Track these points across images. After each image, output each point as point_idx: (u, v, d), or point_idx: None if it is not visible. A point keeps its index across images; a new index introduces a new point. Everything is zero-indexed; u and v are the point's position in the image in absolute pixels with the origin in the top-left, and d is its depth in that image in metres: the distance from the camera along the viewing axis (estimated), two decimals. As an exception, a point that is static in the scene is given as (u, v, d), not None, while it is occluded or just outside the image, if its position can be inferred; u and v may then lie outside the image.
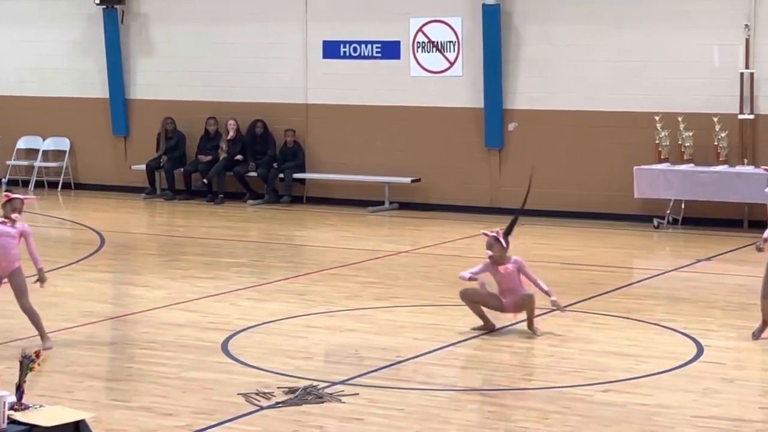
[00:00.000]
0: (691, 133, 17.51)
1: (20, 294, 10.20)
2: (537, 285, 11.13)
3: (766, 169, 11.01)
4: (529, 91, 18.79)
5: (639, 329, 11.35)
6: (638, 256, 16.31)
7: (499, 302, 11.04)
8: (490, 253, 11.09)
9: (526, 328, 11.01)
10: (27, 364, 6.14)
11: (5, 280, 10.28)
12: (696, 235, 17.07)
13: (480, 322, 11.07)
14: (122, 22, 21.12)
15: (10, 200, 10.35)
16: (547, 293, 11.11)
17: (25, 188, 21.79)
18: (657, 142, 17.62)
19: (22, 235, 10.22)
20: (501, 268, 11.09)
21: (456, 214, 18.60)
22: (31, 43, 21.80)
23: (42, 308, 11.04)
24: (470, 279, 11.11)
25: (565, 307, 11.58)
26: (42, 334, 10.25)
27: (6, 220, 10.21)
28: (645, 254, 16.49)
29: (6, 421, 5.88)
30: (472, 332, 11.01)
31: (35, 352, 6.24)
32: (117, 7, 20.99)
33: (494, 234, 11.10)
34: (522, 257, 15.40)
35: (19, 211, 10.30)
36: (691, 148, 17.55)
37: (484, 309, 11.07)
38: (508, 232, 11.27)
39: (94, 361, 10.24)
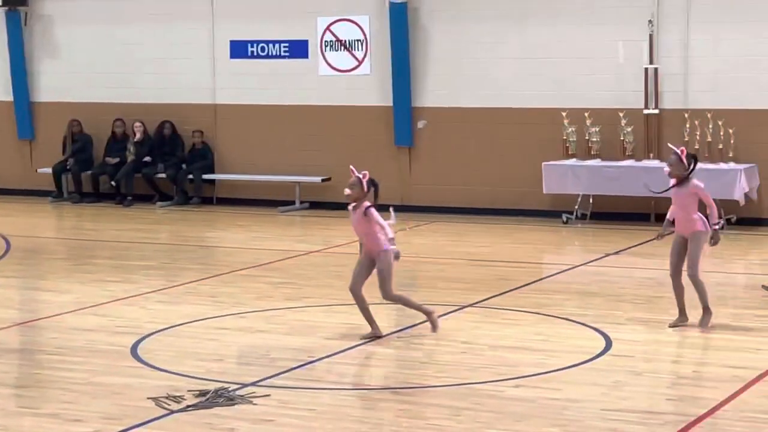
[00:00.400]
0: (597, 129, 17.71)
1: None
2: (383, 229, 10.69)
3: (682, 151, 11.16)
4: (437, 88, 18.87)
5: (549, 324, 11.44)
6: (548, 251, 16.46)
7: None
8: (348, 192, 10.83)
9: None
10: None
11: None
12: (604, 229, 17.27)
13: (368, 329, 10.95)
14: (26, 24, 20.87)
15: None
16: (389, 239, 10.74)
17: (-72, 193, 21.45)
18: (564, 137, 17.79)
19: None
20: (357, 211, 10.84)
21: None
22: (-69, 46, 21.45)
23: (-54, 316, 10.90)
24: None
25: (477, 303, 11.62)
26: None
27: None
28: (554, 249, 16.64)
29: None
30: (384, 330, 10.99)
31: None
32: (20, 8, 20.73)
33: (360, 175, 10.84)
34: (434, 254, 15.52)
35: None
36: (598, 144, 17.75)
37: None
38: (375, 185, 10.97)
39: (1, 368, 10.09)
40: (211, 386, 9.18)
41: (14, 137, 21.28)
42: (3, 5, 20.61)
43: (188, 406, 8.73)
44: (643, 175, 17.05)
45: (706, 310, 11.12)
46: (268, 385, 9.37)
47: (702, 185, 11.07)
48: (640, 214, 17.64)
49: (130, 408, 8.72)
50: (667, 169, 11.15)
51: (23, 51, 20.89)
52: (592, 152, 17.78)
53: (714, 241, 11.04)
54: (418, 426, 8.38)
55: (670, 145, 11.75)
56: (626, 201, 17.50)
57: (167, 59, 20.14)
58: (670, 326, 11.11)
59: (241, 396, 8.98)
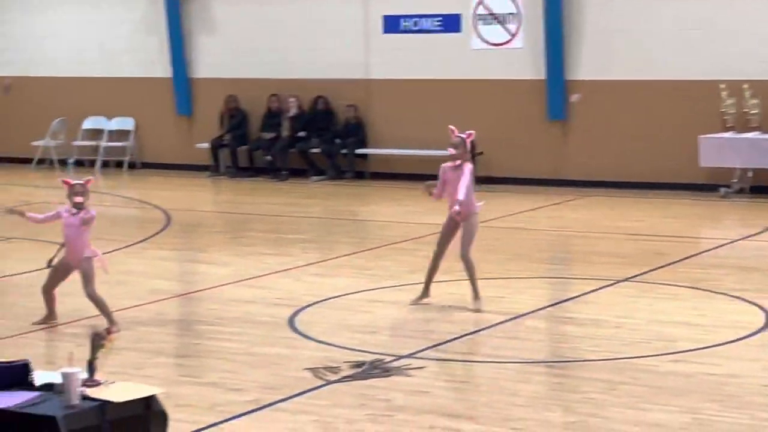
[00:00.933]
0: (757, 101, 17.32)
1: (87, 282, 10.30)
2: (459, 189, 10.70)
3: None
4: (591, 61, 18.67)
5: (706, 299, 11.27)
6: (705, 225, 16.18)
7: None
8: (452, 151, 10.83)
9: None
10: (98, 341, 6.21)
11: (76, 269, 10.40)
12: (763, 203, 16.91)
13: None
14: (183, 2, 21.21)
15: (71, 186, 10.41)
16: (459, 203, 10.70)
17: (91, 168, 22.01)
18: (722, 110, 17.44)
19: (84, 222, 10.27)
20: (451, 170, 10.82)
21: (519, 186, 18.55)
22: (93, 24, 21.97)
23: (111, 287, 11.18)
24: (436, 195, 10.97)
25: (632, 277, 11.51)
26: (109, 319, 10.32)
27: (72, 209, 10.28)
28: (712, 223, 16.35)
29: (79, 397, 5.95)
30: (539, 304, 10.96)
31: (106, 330, 6.31)
32: (178, -14, 21.10)
33: (464, 135, 10.84)
34: (588, 229, 15.41)
35: (82, 195, 10.32)
36: (757, 116, 17.37)
37: None
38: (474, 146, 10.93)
39: (163, 338, 10.34)
40: (367, 358, 9.27)
41: (173, 113, 21.70)
42: (162, -17, 21.03)
43: (344, 377, 8.82)
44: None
45: None
46: (423, 357, 9.41)
47: None
48: (800, 188, 17.24)
49: (288, 378, 8.85)
50: None
51: (181, 28, 21.26)
52: (751, 125, 17.40)
53: None
54: (574, 399, 8.34)
55: None
56: (786, 175, 17.12)
57: (321, 35, 20.30)
58: None
59: (397, 368, 9.03)
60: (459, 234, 11.03)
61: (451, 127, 11.06)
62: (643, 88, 18.35)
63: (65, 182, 10.42)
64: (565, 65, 18.75)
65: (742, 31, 17.65)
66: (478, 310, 10.79)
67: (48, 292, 10.55)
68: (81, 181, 10.37)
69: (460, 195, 10.71)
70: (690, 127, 17.70)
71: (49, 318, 10.58)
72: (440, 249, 11.11)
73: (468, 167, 10.81)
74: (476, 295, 10.91)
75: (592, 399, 8.29)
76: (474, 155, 10.90)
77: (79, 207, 10.27)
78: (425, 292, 11.13)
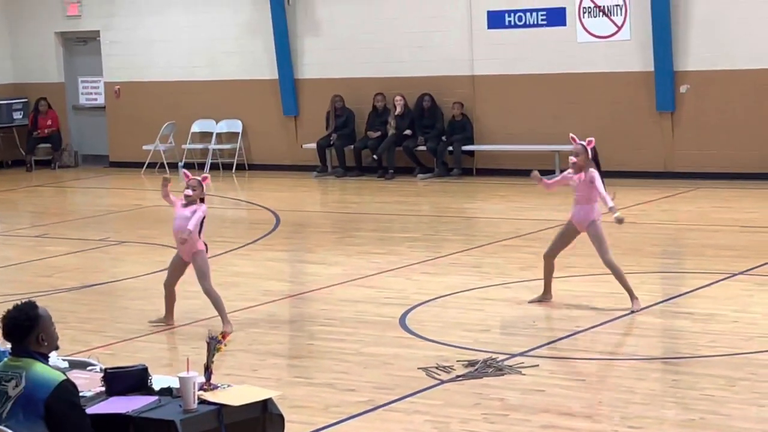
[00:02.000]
0: None
1: (202, 276, 10.40)
2: (603, 198, 10.63)
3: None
4: (700, 51, 18.40)
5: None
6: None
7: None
8: (573, 159, 10.75)
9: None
10: (214, 345, 6.25)
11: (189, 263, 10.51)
12: None
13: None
14: (288, 3, 21.35)
15: (187, 179, 10.53)
16: (610, 208, 10.57)
17: (200, 170, 22.24)
18: (839, 98, 17.10)
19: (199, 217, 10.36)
20: (577, 177, 10.75)
21: (629, 179, 18.31)
22: (199, 28, 22.20)
23: (223, 288, 11.29)
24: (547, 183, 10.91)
25: (747, 270, 11.32)
26: (223, 317, 10.42)
27: (186, 202, 10.40)
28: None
29: (197, 401, 6.00)
30: (653, 299, 10.82)
31: (221, 333, 6.35)
32: (282, -12, 21.25)
33: (584, 142, 10.76)
34: (699, 221, 15.19)
35: (193, 189, 10.42)
36: None
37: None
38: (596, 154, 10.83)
39: (276, 339, 10.41)
40: (480, 356, 9.24)
41: (280, 114, 21.84)
42: (266, -14, 21.18)
43: (458, 376, 8.81)
44: None
45: None
46: (536, 355, 9.37)
47: None
48: None
49: (401, 378, 8.86)
50: None
51: (287, 29, 21.39)
52: None
53: None
54: (692, 397, 8.23)
55: None
56: None
57: (425, 32, 20.28)
58: None
59: (510, 366, 9.00)
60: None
61: (572, 135, 10.95)
62: (753, 77, 18.04)
63: (185, 174, 10.60)
64: (674, 56, 18.51)
65: None
66: (635, 311, 10.59)
67: (170, 288, 10.68)
68: (198, 177, 10.52)
69: (609, 202, 10.60)
70: (804, 116, 17.38)
71: (167, 319, 10.71)
72: (555, 251, 11.00)
73: (596, 176, 10.66)
74: (633, 298, 10.71)
75: (710, 396, 8.18)
76: (597, 162, 10.78)
77: (189, 200, 10.38)
78: (547, 293, 11.05)
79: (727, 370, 8.74)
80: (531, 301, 11.03)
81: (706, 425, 7.62)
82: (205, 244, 10.44)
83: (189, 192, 10.38)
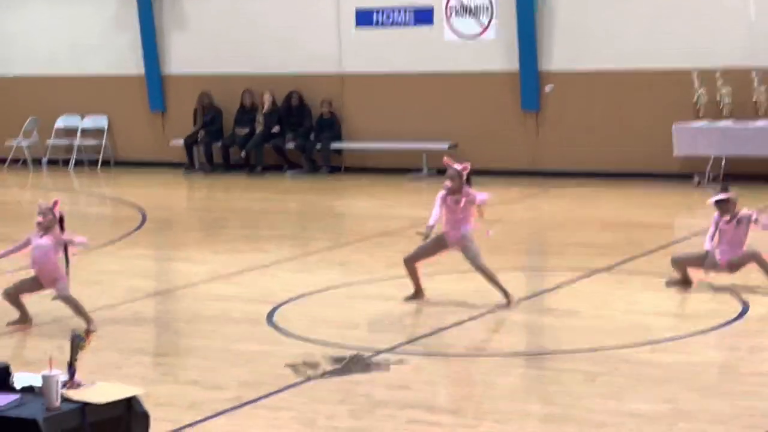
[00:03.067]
0: (728, 89, 17.40)
1: (60, 291, 10.24)
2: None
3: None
4: (564, 52, 18.71)
5: (683, 288, 11.28)
6: (679, 214, 16.22)
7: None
8: (448, 183, 10.87)
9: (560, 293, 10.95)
10: (77, 342, 6.19)
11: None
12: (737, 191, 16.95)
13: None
14: (155, -2, 21.17)
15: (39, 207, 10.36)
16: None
17: (65, 167, 21.92)
18: (695, 99, 17.51)
19: (58, 243, 10.22)
20: (450, 198, 10.85)
21: (495, 177, 18.52)
22: (64, 21, 21.89)
23: (86, 286, 11.16)
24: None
25: (608, 267, 11.53)
26: (85, 317, 10.28)
27: (41, 231, 10.23)
28: (686, 212, 16.39)
29: (59, 399, 5.93)
30: (516, 296, 10.96)
31: (85, 331, 6.30)
32: (149, -17, 21.04)
33: (460, 167, 10.86)
34: (562, 219, 15.43)
35: (44, 215, 10.23)
36: (729, 105, 17.45)
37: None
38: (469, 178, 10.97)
39: (141, 337, 10.30)
40: (346, 353, 9.27)
41: (146, 110, 21.65)
42: (132, -20, 20.97)
43: (325, 373, 8.82)
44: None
45: None
46: (402, 351, 9.41)
47: None
48: (772, 175, 17.33)
49: (268, 375, 8.84)
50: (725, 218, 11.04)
51: (153, 25, 21.19)
52: (724, 113, 17.48)
53: None
54: (553, 391, 8.35)
55: None
56: (760, 162, 17.17)
57: (293, 30, 20.27)
58: None
59: (376, 362, 9.04)
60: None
61: (446, 159, 11.04)
62: (616, 78, 18.40)
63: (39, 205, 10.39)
64: (538, 56, 18.78)
65: (713, 19, 17.71)
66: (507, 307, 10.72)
67: (13, 298, 10.48)
68: (46, 204, 10.30)
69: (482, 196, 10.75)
70: (663, 117, 17.77)
71: (23, 318, 10.54)
72: (417, 259, 11.08)
73: (476, 196, 10.76)
74: (507, 296, 10.81)
75: (571, 390, 8.30)
76: (470, 183, 10.88)
77: (42, 227, 10.20)
78: (419, 291, 11.11)
79: (587, 365, 8.88)
80: (407, 299, 11.04)
81: (568, 418, 7.74)
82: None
83: (40, 218, 10.21)
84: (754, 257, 11.00)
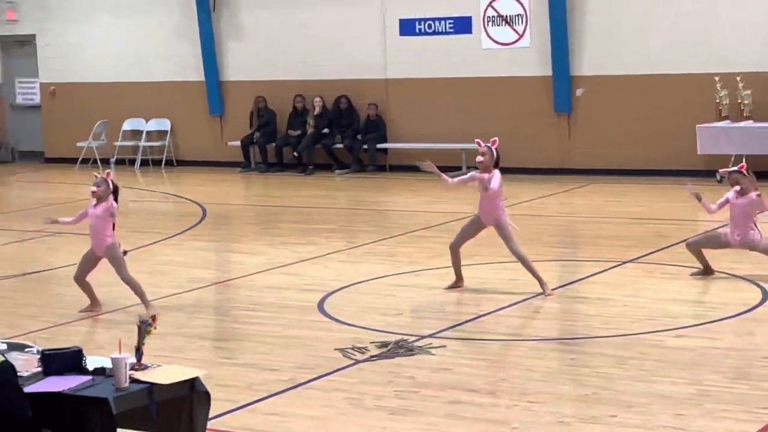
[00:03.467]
0: (749, 92, 17.26)
1: (118, 267, 10.33)
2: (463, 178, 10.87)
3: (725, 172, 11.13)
4: (594, 58, 18.62)
5: (706, 279, 11.21)
6: (703, 209, 16.04)
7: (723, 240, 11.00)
8: (480, 159, 10.82)
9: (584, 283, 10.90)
10: (144, 327, 6.21)
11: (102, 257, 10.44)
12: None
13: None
14: (214, 9, 21.23)
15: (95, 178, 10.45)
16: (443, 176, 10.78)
17: (131, 166, 22.05)
18: (717, 101, 17.37)
19: (110, 212, 10.29)
20: (484, 176, 10.79)
21: (529, 175, 18.50)
22: (130, 32, 22.01)
23: (153, 276, 11.23)
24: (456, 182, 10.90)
25: (637, 259, 11.46)
26: (144, 302, 10.35)
27: (95, 200, 10.31)
28: (709, 207, 16.26)
29: (128, 380, 5.96)
30: (551, 285, 10.90)
31: (151, 317, 6.31)
32: (209, -5, 21.14)
33: (489, 144, 10.83)
34: (594, 214, 15.34)
35: (98, 186, 10.30)
36: (749, 106, 17.32)
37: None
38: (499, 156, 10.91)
39: (202, 323, 10.36)
40: (392, 338, 9.27)
41: (206, 113, 21.73)
42: (193, -6, 21.07)
43: (372, 356, 8.83)
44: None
45: None
46: (444, 336, 9.42)
47: None
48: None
49: (320, 358, 8.86)
50: (736, 188, 10.98)
51: (212, 34, 21.27)
52: (745, 114, 17.34)
53: None
54: (586, 374, 8.32)
55: None
56: (778, 160, 17.02)
57: (342, 38, 20.29)
58: None
59: (420, 347, 9.04)
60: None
61: (477, 140, 11.02)
62: (642, 82, 18.29)
63: (94, 175, 10.51)
64: (570, 62, 18.70)
65: (734, 26, 17.57)
66: (547, 294, 10.67)
67: (81, 281, 10.56)
68: (101, 175, 10.42)
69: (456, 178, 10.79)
70: (688, 118, 17.63)
71: (93, 306, 10.61)
72: (460, 243, 11.05)
73: (496, 175, 10.72)
74: (542, 283, 10.78)
75: (602, 373, 8.27)
76: (499, 162, 10.84)
77: (96, 197, 10.28)
78: (459, 280, 11.09)
79: (617, 350, 8.85)
80: (447, 288, 11.03)
81: (599, 400, 7.71)
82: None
83: (94, 188, 10.30)
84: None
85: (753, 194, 10.89)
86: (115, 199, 10.36)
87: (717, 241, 11.21)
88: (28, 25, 23.03)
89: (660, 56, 18.12)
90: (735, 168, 11.20)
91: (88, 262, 10.54)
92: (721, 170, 11.34)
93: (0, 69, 23.60)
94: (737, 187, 11.02)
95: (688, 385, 7.92)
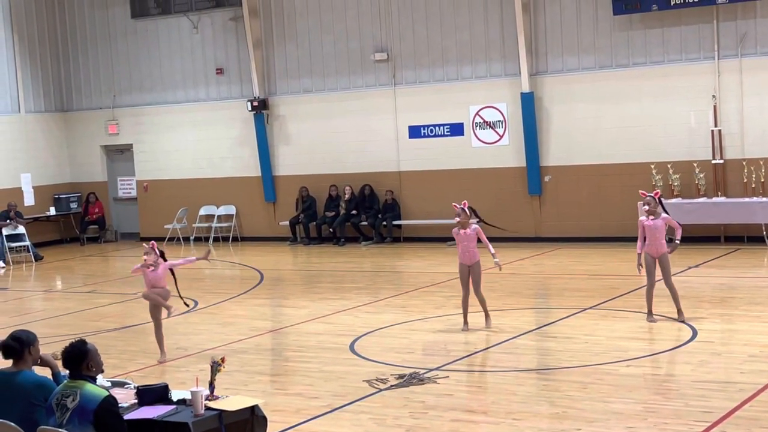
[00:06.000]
0: (678, 176, 17.26)
1: (165, 310, 10.30)
2: (488, 247, 10.81)
3: (643, 194, 11.05)
4: (558, 152, 18.66)
5: (650, 320, 11.13)
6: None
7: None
8: (458, 219, 10.83)
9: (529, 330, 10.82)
10: (216, 366, 6.22)
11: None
12: (687, 249, 16.72)
13: None
14: (267, 122, 21.42)
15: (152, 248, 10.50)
16: (492, 255, 10.78)
17: (206, 242, 22.13)
18: (653, 183, 17.37)
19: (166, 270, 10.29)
20: (462, 232, 10.84)
21: (509, 243, 18.46)
22: (204, 140, 22.20)
23: (223, 326, 11.22)
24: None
25: (594, 306, 11.37)
26: (166, 308, 10.27)
27: (149, 266, 10.34)
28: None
29: (203, 408, 5.96)
30: (529, 327, 10.85)
31: (221, 358, 6.31)
32: (263, 111, 21.31)
33: (461, 206, 10.87)
34: (560, 272, 15.26)
35: (147, 254, 10.33)
36: (678, 187, 17.30)
37: None
38: (474, 211, 10.94)
39: (261, 362, 10.33)
40: (407, 371, 9.22)
41: (262, 200, 21.81)
42: (252, 110, 21.24)
43: (391, 386, 8.79)
44: (713, 208, 16.62)
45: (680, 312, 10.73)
46: (447, 369, 9.37)
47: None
48: (712, 237, 17.09)
49: (351, 388, 8.82)
50: (645, 207, 10.85)
51: (267, 140, 21.45)
52: (675, 193, 17.32)
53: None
54: (557, 396, 8.26)
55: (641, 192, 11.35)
56: (701, 228, 16.97)
57: (365, 141, 20.41)
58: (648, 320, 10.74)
59: (429, 377, 8.99)
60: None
61: (453, 203, 11.09)
62: (595, 169, 18.30)
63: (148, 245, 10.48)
64: (540, 155, 18.75)
65: (665, 126, 17.61)
66: (489, 329, 10.69)
67: (157, 332, 10.52)
68: (149, 245, 10.45)
69: (491, 249, 10.75)
70: (631, 196, 17.60)
71: (162, 357, 10.43)
72: (466, 289, 11.04)
73: (477, 228, 10.79)
74: (487, 318, 10.82)
75: (570, 395, 8.21)
76: (477, 217, 10.88)
77: (150, 264, 10.30)
78: (466, 322, 11.02)
79: (580, 377, 8.79)
80: (463, 329, 10.92)
81: (567, 416, 7.65)
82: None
83: (145, 257, 10.35)
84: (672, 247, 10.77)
85: (663, 215, 10.83)
86: (164, 259, 10.38)
87: (649, 269, 10.89)
88: (126, 137, 23.27)
89: (608, 150, 18.16)
90: (651, 194, 11.04)
91: (155, 311, 10.47)
92: (641, 191, 11.23)
93: (105, 170, 23.82)
94: (645, 207, 10.90)
95: (636, 403, 7.85)
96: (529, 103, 18.58)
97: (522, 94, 18.60)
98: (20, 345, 5.88)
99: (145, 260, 10.34)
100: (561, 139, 18.60)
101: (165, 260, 10.37)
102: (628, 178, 17.85)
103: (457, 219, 10.82)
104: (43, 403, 5.74)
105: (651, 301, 10.95)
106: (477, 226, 10.77)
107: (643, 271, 10.88)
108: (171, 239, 22.40)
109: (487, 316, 10.85)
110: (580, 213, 18.48)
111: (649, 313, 10.97)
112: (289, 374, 9.74)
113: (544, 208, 18.90)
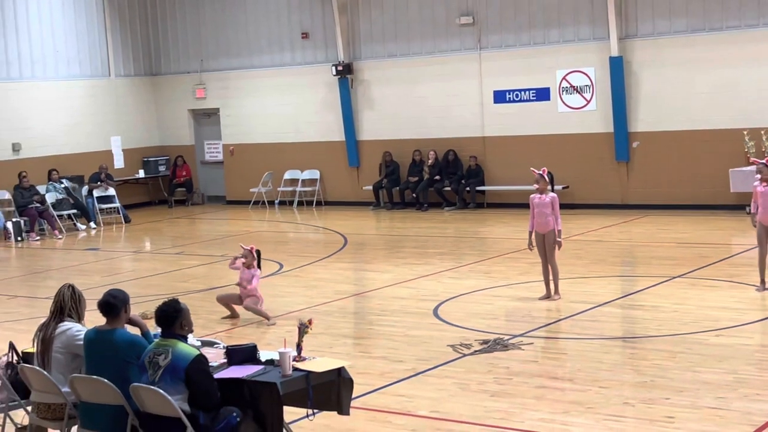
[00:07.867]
0: (771, 142, 16.81)
1: (249, 304, 10.44)
2: (557, 219, 10.64)
3: (755, 161, 10.62)
4: (647, 117, 18.31)
5: (740, 289, 10.93)
6: (736, 235, 15.63)
7: None
8: (536, 185, 10.70)
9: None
10: (303, 328, 6.29)
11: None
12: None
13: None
14: (352, 87, 21.46)
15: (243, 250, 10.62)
16: (558, 232, 10.62)
17: (290, 206, 22.35)
18: (746, 150, 16.93)
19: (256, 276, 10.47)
20: (539, 198, 10.68)
21: (595, 210, 18.24)
22: (289, 104, 22.35)
23: (308, 289, 11.34)
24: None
25: (683, 274, 11.18)
26: (265, 317, 10.44)
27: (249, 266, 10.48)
28: (741, 234, 15.75)
29: (291, 369, 6.04)
30: (614, 295, 10.74)
31: (308, 320, 6.38)
32: (348, 76, 21.34)
33: (540, 171, 10.74)
34: (648, 240, 15.03)
35: (245, 257, 10.49)
36: (772, 153, 16.85)
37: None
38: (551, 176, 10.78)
39: (345, 325, 10.43)
40: (491, 337, 9.22)
41: (346, 165, 21.91)
42: (336, 74, 21.28)
43: (475, 351, 8.80)
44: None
45: None
46: (532, 336, 9.34)
47: None
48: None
49: (435, 352, 8.85)
50: (758, 175, 10.50)
51: (351, 105, 21.49)
52: (768, 160, 16.85)
53: None
54: (644, 365, 8.17)
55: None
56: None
57: (449, 106, 20.30)
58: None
59: (513, 344, 8.97)
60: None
61: (532, 168, 10.97)
62: (685, 136, 17.92)
63: (242, 247, 10.61)
64: (628, 121, 18.42)
65: (759, 91, 17.12)
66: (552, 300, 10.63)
67: (223, 302, 10.74)
68: (248, 248, 10.57)
69: (559, 225, 10.62)
70: (722, 163, 17.22)
71: (232, 315, 10.66)
72: (544, 257, 10.96)
73: (554, 197, 10.68)
74: (557, 290, 10.73)
75: (657, 365, 8.11)
76: (553, 184, 10.76)
77: (245, 265, 10.50)
78: (548, 292, 10.95)
79: (669, 346, 8.68)
80: (540, 299, 10.88)
81: (655, 386, 7.56)
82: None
83: (243, 259, 10.54)
84: None
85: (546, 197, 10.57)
86: (258, 263, 10.54)
87: (761, 238, 10.61)
88: (213, 101, 23.57)
89: (699, 115, 17.74)
90: (763, 161, 10.69)
91: (232, 299, 10.70)
92: (752, 159, 10.84)
93: (193, 134, 24.19)
94: (758, 175, 10.60)
95: (726, 374, 7.71)
96: (618, 68, 18.23)
97: (611, 58, 18.26)
98: (118, 303, 6.04)
99: (243, 261, 10.55)
100: (650, 105, 18.23)
101: (259, 264, 10.56)
102: (719, 144, 17.43)
103: (536, 186, 10.72)
104: (135, 360, 5.89)
105: (764, 270, 10.64)
106: (554, 194, 10.63)
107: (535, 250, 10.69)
108: (256, 203, 22.70)
109: (556, 289, 10.72)
110: (668, 180, 18.14)
111: (762, 282, 10.67)
112: (373, 337, 9.80)
113: (632, 175, 18.60)
